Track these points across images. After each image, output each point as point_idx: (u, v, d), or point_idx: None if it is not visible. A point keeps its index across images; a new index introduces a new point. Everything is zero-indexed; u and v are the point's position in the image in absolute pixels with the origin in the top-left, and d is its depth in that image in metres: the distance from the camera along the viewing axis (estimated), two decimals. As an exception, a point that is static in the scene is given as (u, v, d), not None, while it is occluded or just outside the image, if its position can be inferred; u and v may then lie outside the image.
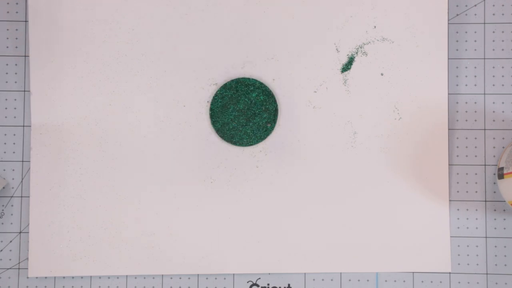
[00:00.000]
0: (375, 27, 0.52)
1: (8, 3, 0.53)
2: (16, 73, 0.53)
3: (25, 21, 0.53)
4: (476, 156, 0.52)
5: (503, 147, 0.52)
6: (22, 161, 0.52)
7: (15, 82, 0.53)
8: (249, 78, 0.52)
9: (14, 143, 0.53)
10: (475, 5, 0.52)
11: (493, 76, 0.52)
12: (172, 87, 0.52)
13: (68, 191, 0.51)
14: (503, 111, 0.52)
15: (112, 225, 0.51)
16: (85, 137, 0.52)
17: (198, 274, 0.52)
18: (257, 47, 0.52)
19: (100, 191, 0.51)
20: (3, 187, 0.52)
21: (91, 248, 0.51)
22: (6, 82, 0.53)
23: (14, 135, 0.53)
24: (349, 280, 0.51)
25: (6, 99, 0.53)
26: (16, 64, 0.53)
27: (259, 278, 0.52)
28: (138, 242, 0.51)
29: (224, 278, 0.52)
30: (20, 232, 0.52)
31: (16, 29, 0.53)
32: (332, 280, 0.51)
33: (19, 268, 0.52)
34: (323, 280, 0.51)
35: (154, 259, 0.51)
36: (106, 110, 0.52)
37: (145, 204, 0.51)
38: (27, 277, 0.52)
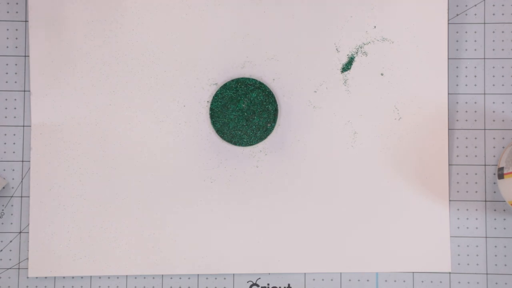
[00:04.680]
0: (375, 27, 0.52)
1: (8, 3, 0.53)
2: (16, 73, 0.53)
3: (25, 21, 0.53)
4: (476, 156, 0.52)
5: (503, 147, 0.52)
6: (22, 161, 0.52)
7: (15, 82, 0.53)
8: (249, 78, 0.52)
9: (14, 143, 0.52)
10: (475, 5, 0.52)
11: (493, 76, 0.52)
12: (172, 87, 0.52)
13: (68, 191, 0.51)
14: (503, 111, 0.52)
15: (112, 225, 0.51)
16: (85, 137, 0.52)
17: (198, 274, 0.52)
18: (257, 47, 0.52)
19: (100, 191, 0.51)
20: (3, 187, 0.52)
21: (91, 248, 0.51)
22: (6, 82, 0.53)
23: (14, 135, 0.53)
24: (349, 280, 0.51)
25: (6, 99, 0.53)
26: (16, 64, 0.53)
27: (259, 278, 0.52)
28: (138, 242, 0.51)
29: (224, 278, 0.52)
30: (20, 232, 0.52)
31: (16, 29, 0.53)
32: (332, 280, 0.51)
33: (19, 268, 0.52)
34: (323, 280, 0.51)
35: (154, 259, 0.51)
36: (106, 110, 0.52)
37: (145, 204, 0.51)
38: (27, 277, 0.52)
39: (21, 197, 0.52)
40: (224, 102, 0.52)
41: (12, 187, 0.52)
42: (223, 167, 0.52)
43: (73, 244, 0.51)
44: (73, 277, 0.52)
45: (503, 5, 0.52)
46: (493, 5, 0.52)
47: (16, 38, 0.53)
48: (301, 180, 0.52)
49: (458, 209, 0.52)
